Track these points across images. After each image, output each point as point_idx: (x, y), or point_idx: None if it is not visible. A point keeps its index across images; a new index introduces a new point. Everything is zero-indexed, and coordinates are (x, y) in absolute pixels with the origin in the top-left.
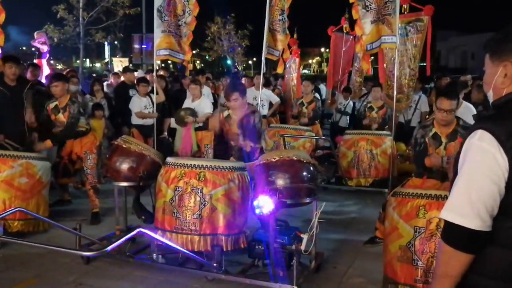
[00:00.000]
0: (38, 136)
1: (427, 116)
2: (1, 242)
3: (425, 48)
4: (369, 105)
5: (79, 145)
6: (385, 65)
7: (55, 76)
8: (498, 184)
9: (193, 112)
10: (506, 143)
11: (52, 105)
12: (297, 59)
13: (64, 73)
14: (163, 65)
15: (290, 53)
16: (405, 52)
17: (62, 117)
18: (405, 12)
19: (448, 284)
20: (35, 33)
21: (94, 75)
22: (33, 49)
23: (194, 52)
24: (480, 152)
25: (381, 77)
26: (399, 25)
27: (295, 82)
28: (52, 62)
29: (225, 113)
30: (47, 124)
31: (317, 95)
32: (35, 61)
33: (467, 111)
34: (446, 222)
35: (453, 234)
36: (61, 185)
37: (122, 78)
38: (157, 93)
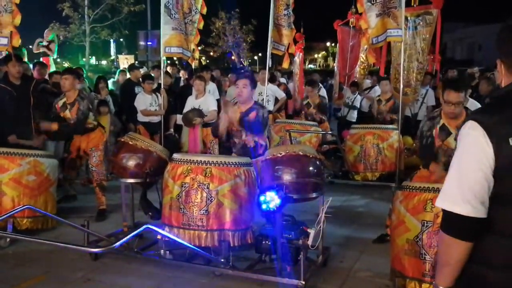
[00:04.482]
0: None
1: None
2: (11, 239)
3: (434, 42)
4: (377, 98)
5: (86, 140)
6: (393, 58)
7: (66, 69)
8: (485, 171)
9: (200, 113)
10: (492, 132)
11: (60, 103)
12: (301, 54)
13: None
14: (168, 61)
15: None
16: (414, 46)
17: (68, 114)
18: (415, 5)
19: (448, 273)
20: (45, 31)
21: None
22: (41, 50)
23: (199, 48)
24: (469, 141)
25: (382, 70)
26: (408, 18)
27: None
28: (58, 60)
29: None
30: (58, 121)
31: (323, 91)
32: (42, 59)
33: (473, 108)
34: (442, 210)
35: (447, 221)
36: (67, 179)
37: (128, 75)
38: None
